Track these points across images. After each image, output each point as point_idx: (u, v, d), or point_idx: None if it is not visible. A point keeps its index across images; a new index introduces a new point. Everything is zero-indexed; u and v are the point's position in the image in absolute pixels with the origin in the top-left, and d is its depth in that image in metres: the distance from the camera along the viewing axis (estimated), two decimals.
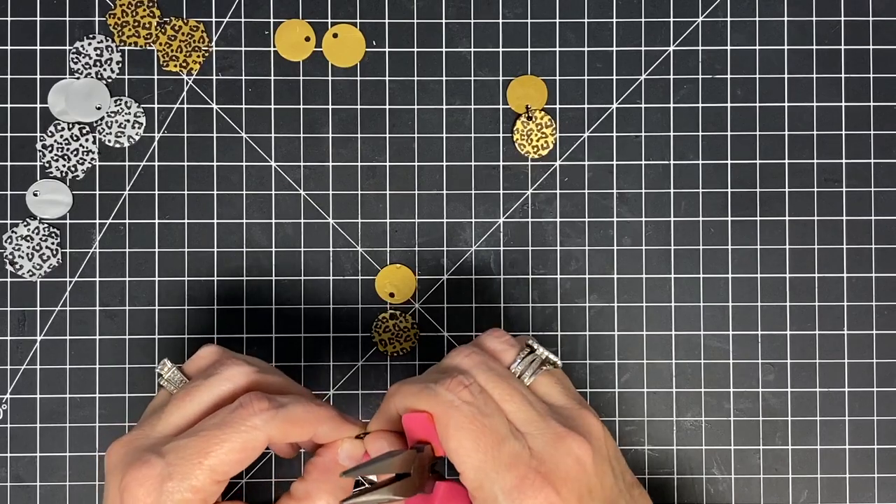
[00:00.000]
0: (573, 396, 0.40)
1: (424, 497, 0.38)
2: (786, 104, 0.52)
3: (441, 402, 0.37)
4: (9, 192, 0.51)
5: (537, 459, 0.36)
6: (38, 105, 0.51)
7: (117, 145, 0.51)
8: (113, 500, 0.37)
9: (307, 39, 0.52)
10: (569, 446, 0.36)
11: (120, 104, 0.51)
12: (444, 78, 0.52)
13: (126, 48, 0.51)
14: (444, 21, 0.52)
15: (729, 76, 0.52)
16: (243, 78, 0.51)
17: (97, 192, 0.51)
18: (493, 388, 0.38)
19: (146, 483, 0.36)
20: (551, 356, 0.41)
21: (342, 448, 0.40)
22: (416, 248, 0.52)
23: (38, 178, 0.51)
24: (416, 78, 0.52)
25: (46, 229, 0.51)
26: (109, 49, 0.51)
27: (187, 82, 0.51)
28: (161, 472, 0.36)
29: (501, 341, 0.41)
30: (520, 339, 0.42)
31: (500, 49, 0.52)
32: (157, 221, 0.51)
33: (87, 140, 0.51)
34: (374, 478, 0.39)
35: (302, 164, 0.52)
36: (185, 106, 0.51)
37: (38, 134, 0.51)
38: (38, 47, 0.51)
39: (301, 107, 0.52)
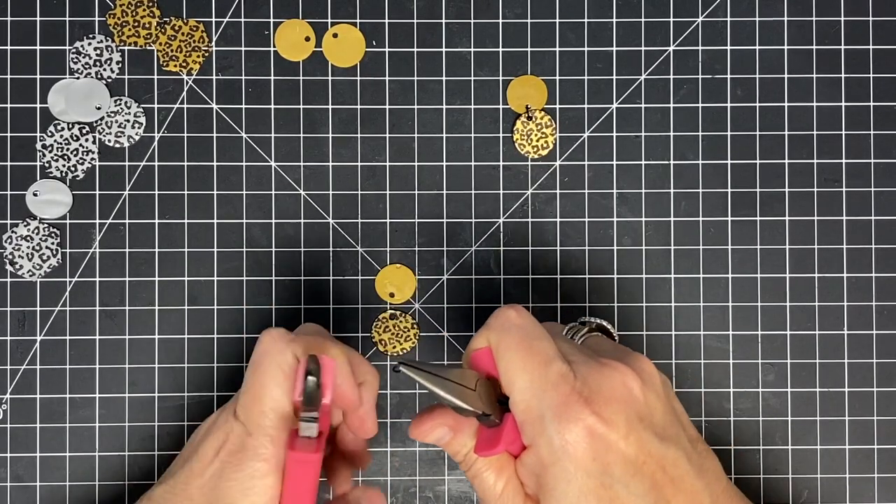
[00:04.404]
0: (625, 348, 0.40)
1: (494, 428, 0.37)
2: (786, 104, 0.52)
3: (492, 329, 0.37)
4: (9, 192, 0.51)
5: (581, 381, 0.35)
6: (38, 105, 0.51)
7: (117, 145, 0.51)
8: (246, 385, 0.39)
9: (307, 39, 0.52)
10: (614, 371, 0.36)
11: (120, 104, 0.51)
12: (444, 78, 0.52)
13: (126, 48, 0.51)
14: (444, 21, 0.52)
15: (729, 76, 0.52)
16: (243, 78, 0.51)
17: (97, 192, 0.51)
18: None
19: (218, 435, 0.39)
20: (607, 325, 0.42)
21: (435, 432, 0.37)
22: (416, 248, 0.52)
23: (38, 178, 0.51)
24: (416, 78, 0.52)
25: (46, 229, 0.51)
26: (109, 49, 0.51)
27: (187, 82, 0.51)
28: (231, 431, 0.38)
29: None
30: None
31: (500, 49, 0.52)
32: (157, 221, 0.51)
33: (87, 140, 0.51)
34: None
35: (302, 164, 0.52)
36: (185, 106, 0.51)
37: (38, 134, 0.51)
38: (38, 47, 0.51)
39: (301, 107, 0.52)
